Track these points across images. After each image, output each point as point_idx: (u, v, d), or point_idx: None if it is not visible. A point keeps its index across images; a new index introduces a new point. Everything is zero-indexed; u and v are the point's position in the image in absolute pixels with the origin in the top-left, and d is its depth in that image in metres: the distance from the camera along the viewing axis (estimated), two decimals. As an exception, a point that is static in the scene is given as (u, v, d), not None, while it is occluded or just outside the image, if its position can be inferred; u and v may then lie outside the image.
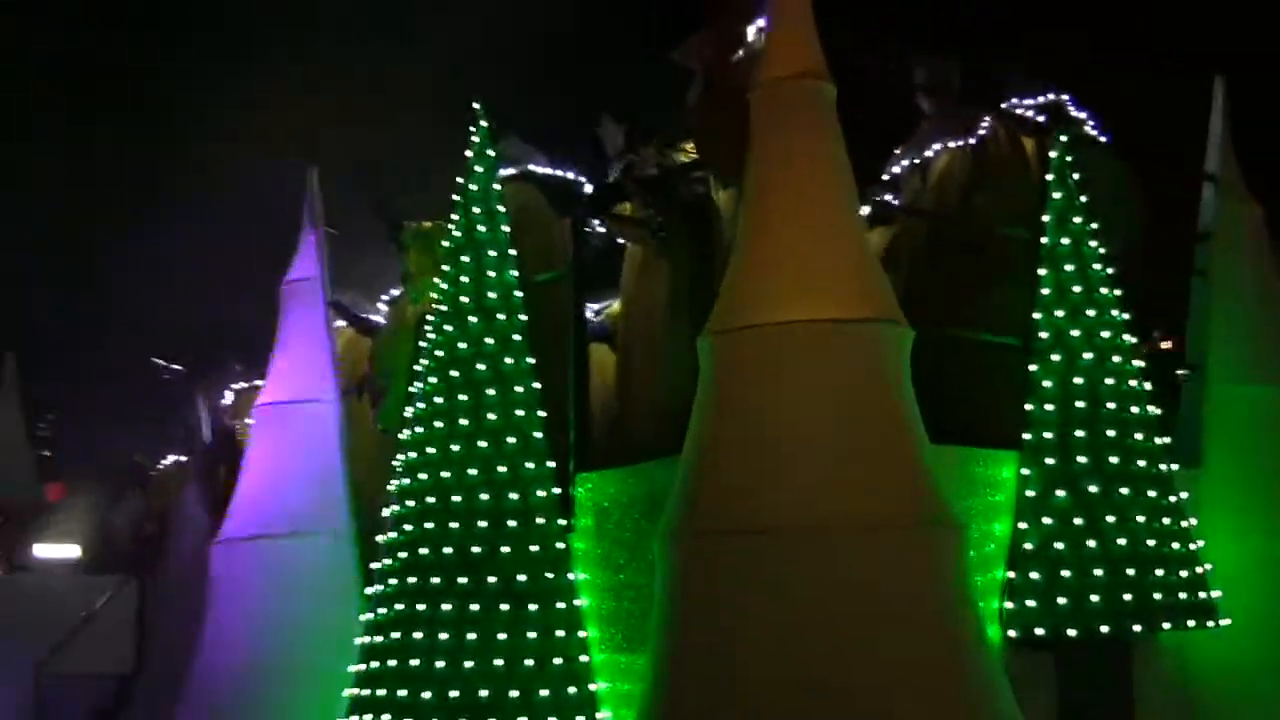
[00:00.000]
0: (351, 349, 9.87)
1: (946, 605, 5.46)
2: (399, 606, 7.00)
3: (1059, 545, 6.22)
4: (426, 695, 6.65)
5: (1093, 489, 6.27)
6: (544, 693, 6.54)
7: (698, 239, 7.12)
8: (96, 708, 12.22)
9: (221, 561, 9.18)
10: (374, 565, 7.35)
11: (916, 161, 7.78)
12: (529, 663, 6.62)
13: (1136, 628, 6.13)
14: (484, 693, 6.56)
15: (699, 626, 5.48)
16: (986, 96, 7.88)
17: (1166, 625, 6.20)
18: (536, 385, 7.20)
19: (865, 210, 7.01)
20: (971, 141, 7.57)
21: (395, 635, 6.93)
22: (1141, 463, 6.37)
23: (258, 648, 8.61)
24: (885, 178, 7.97)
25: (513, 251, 7.45)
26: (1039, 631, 6.17)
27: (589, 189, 8.54)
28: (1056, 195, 6.78)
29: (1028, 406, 6.53)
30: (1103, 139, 8.25)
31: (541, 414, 7.17)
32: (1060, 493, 6.31)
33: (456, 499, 6.99)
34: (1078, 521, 6.24)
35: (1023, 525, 6.35)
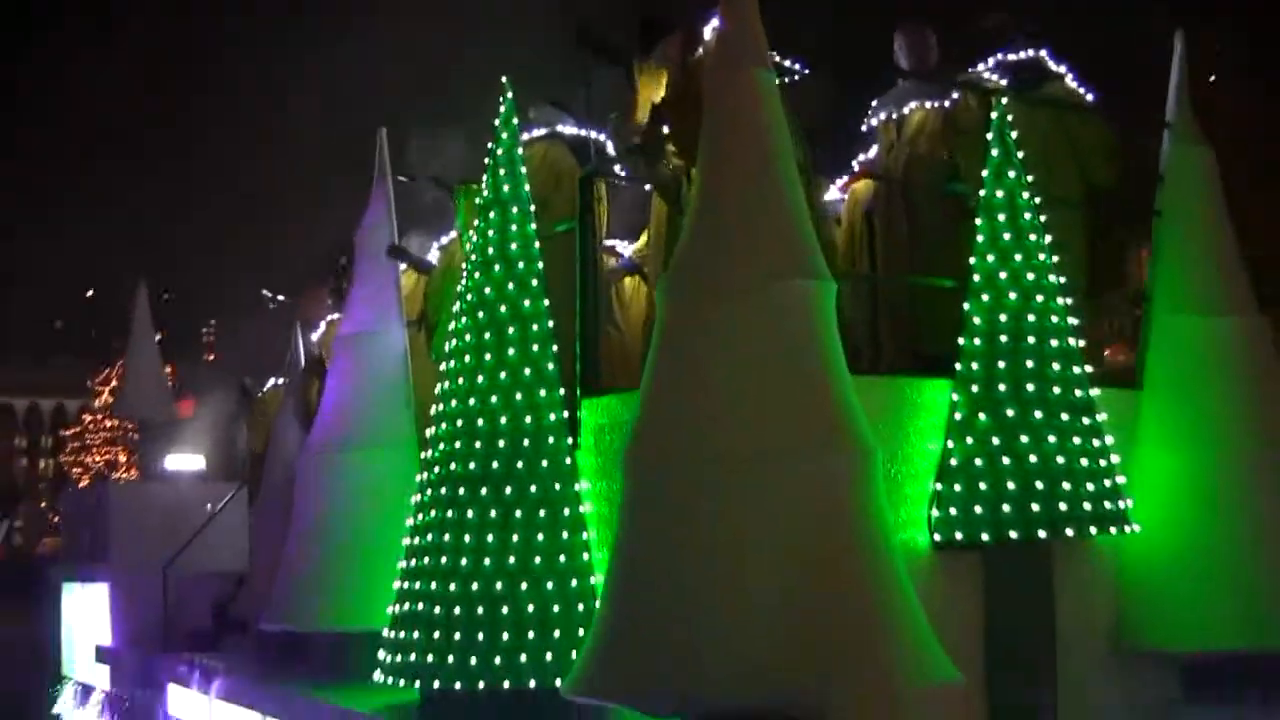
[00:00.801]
0: (413, 288, 11.12)
1: (857, 519, 6.41)
2: (434, 513, 8.21)
3: (978, 461, 7.15)
4: (453, 587, 7.87)
5: (1010, 413, 7.16)
6: (550, 585, 7.69)
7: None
8: (216, 601, 13.66)
9: (305, 470, 10.57)
10: (417, 477, 8.58)
11: (894, 117, 8.65)
12: (538, 559, 7.77)
13: (1042, 534, 7.07)
14: (499, 585, 7.74)
15: (639, 544, 6.49)
16: (963, 58, 8.68)
17: (1069, 532, 7.11)
18: (550, 324, 8.31)
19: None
20: (944, 104, 8.42)
21: (429, 537, 8.16)
22: (1057, 390, 7.24)
23: (332, 544, 9.98)
24: (864, 129, 8.85)
25: (533, 208, 8.53)
26: (958, 536, 7.16)
27: (609, 149, 9.57)
28: (994, 152, 7.62)
29: (960, 340, 7.47)
30: (1082, 90, 9.03)
31: (554, 348, 8.31)
32: (982, 416, 7.23)
33: (480, 423, 8.12)
34: (995, 441, 7.15)
35: (950, 444, 7.32)
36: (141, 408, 19.00)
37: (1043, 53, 8.89)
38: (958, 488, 7.19)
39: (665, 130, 7.94)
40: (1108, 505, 7.24)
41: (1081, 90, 8.96)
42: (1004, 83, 8.66)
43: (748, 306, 6.42)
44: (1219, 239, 8.42)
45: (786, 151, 6.73)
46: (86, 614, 16.46)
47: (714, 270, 6.54)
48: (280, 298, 14.86)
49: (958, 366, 7.42)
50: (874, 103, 8.98)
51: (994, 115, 7.70)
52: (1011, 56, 8.86)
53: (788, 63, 8.13)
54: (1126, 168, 8.78)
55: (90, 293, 77.17)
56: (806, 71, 8.14)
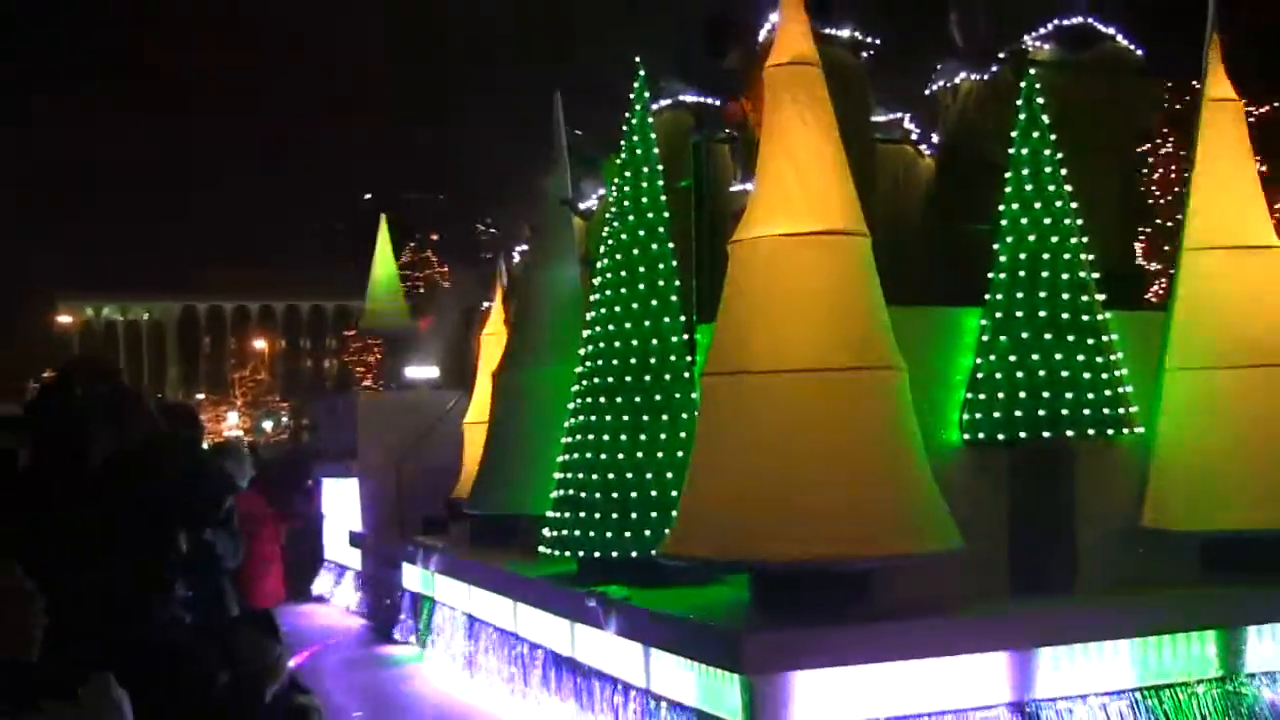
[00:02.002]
0: (581, 233, 13.18)
1: (889, 421, 8.17)
2: (582, 418, 10.25)
3: (998, 375, 8.79)
4: (595, 476, 9.92)
5: (1024, 335, 8.78)
6: (669, 475, 9.65)
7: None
8: (441, 494, 15.88)
9: (499, 384, 12.80)
10: (571, 388, 10.62)
11: (948, 85, 10.20)
12: (661, 454, 9.74)
13: (1046, 434, 8.68)
14: (631, 475, 9.76)
15: (716, 439, 8.38)
16: (1008, 32, 10.15)
17: (1070, 433, 8.70)
18: (674, 263, 10.21)
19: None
20: (984, 77, 9.94)
21: (578, 437, 10.22)
22: (1066, 315, 8.80)
23: (517, 443, 12.16)
24: (926, 93, 10.41)
25: (660, 167, 10.39)
26: (981, 436, 8.84)
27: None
28: (1022, 117, 9.16)
29: (989, 275, 9.09)
30: (1131, 47, 10.38)
31: (677, 283, 10.20)
32: (1003, 338, 8.86)
33: (617, 344, 10.13)
34: (1012, 358, 8.78)
35: (978, 360, 8.98)
36: (383, 324, 21.51)
37: (1090, 19, 10.23)
38: (981, 396, 8.87)
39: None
40: (1108, 411, 8.78)
41: (1130, 48, 10.29)
42: (1053, 49, 10.08)
43: (801, 254, 8.20)
44: (1244, 183, 9.71)
45: (832, 131, 8.43)
46: (340, 505, 18.97)
47: (770, 227, 8.33)
48: (493, 229, 17.01)
49: (986, 297, 9.05)
50: (936, 69, 10.51)
51: (1023, 85, 9.21)
52: (1062, 23, 10.24)
53: (862, 37, 9.78)
54: (1170, 117, 10.10)
55: (368, 196, 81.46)
56: (878, 42, 9.76)
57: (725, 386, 8.33)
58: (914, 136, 11.56)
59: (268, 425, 67.42)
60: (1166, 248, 9.55)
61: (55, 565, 4.38)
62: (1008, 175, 9.15)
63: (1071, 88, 9.49)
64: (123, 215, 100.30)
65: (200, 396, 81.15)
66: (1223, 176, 9.70)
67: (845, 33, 9.68)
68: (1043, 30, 10.33)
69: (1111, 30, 10.31)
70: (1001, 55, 10.16)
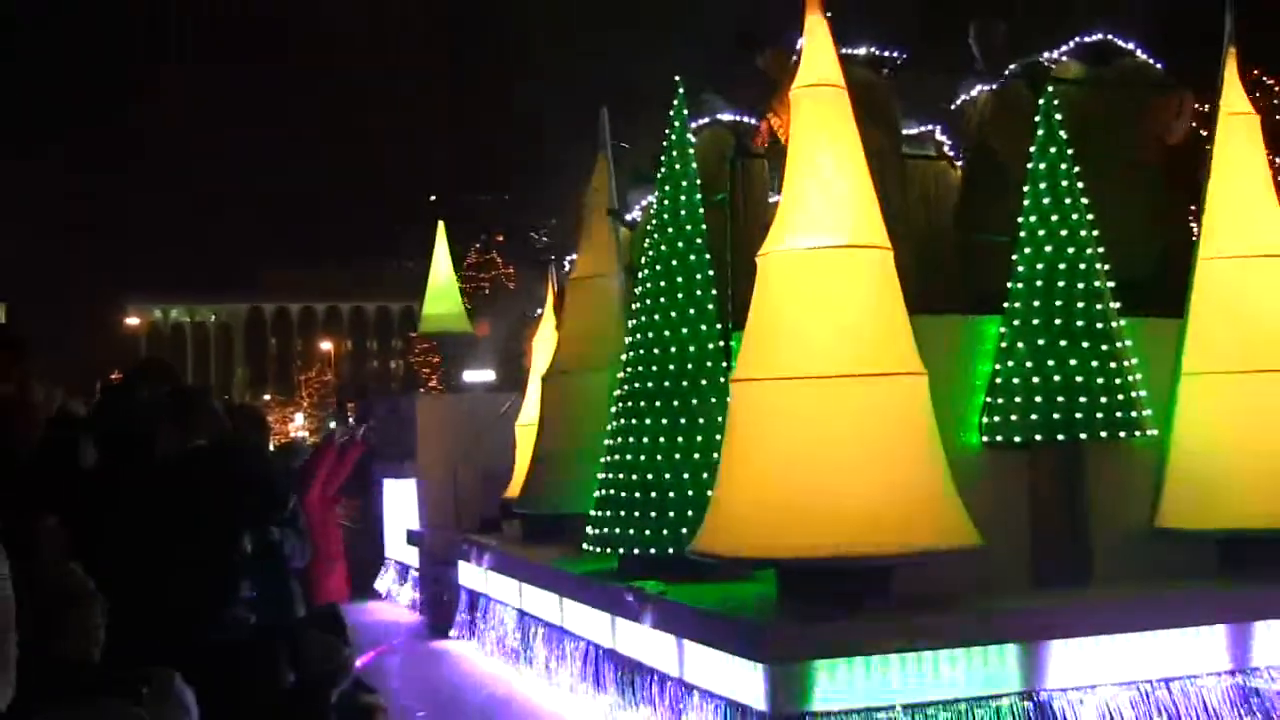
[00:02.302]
0: (626, 243, 13.69)
1: (911, 423, 8.60)
2: (623, 421, 10.77)
3: (1016, 380, 9.22)
4: (635, 477, 10.42)
5: (1041, 342, 9.20)
6: (705, 475, 10.11)
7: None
8: (497, 494, 16.42)
9: (548, 388, 13.35)
10: (614, 392, 11.13)
11: (970, 97, 10.64)
12: (698, 456, 10.22)
13: (1060, 436, 9.09)
14: (668, 475, 10.25)
15: (745, 443, 8.85)
16: (1025, 48, 10.58)
17: (1083, 435, 9.10)
18: (711, 272, 10.68)
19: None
20: (996, 88, 10.36)
21: (619, 440, 10.73)
22: (1080, 323, 9.21)
23: (565, 445, 12.70)
24: (953, 106, 10.85)
25: (698, 181, 10.87)
26: (999, 438, 9.26)
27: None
28: (1040, 132, 9.57)
29: (1009, 284, 9.50)
30: (1152, 62, 10.76)
31: (713, 292, 10.68)
32: (1020, 345, 9.28)
33: (656, 351, 10.63)
34: (1029, 364, 9.20)
35: (998, 366, 9.40)
36: (440, 328, 22.11)
37: (1109, 36, 10.63)
38: (1000, 401, 9.29)
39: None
40: (1120, 414, 9.18)
41: (1150, 62, 10.67)
42: (1072, 64, 10.48)
43: (823, 266, 8.67)
44: (1258, 193, 10.06)
45: (856, 149, 8.88)
46: (400, 505, 19.54)
47: (796, 240, 8.79)
48: (545, 239, 17.61)
49: (1005, 305, 9.47)
50: (961, 83, 10.96)
51: (1041, 100, 9.62)
52: (1082, 39, 10.64)
53: (888, 54, 10.24)
54: (1192, 127, 10.45)
55: (433, 198, 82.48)
56: (905, 58, 10.22)
57: (753, 392, 8.79)
58: (947, 147, 11.99)
59: (334, 426, 68.16)
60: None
61: (119, 565, 4.50)
62: (1026, 189, 9.55)
63: (1090, 102, 9.88)
64: (190, 216, 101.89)
65: (267, 398, 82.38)
66: (1237, 187, 10.05)
67: (862, 50, 10.14)
68: (1063, 46, 10.73)
69: (1131, 45, 10.70)
70: (1016, 69, 10.57)
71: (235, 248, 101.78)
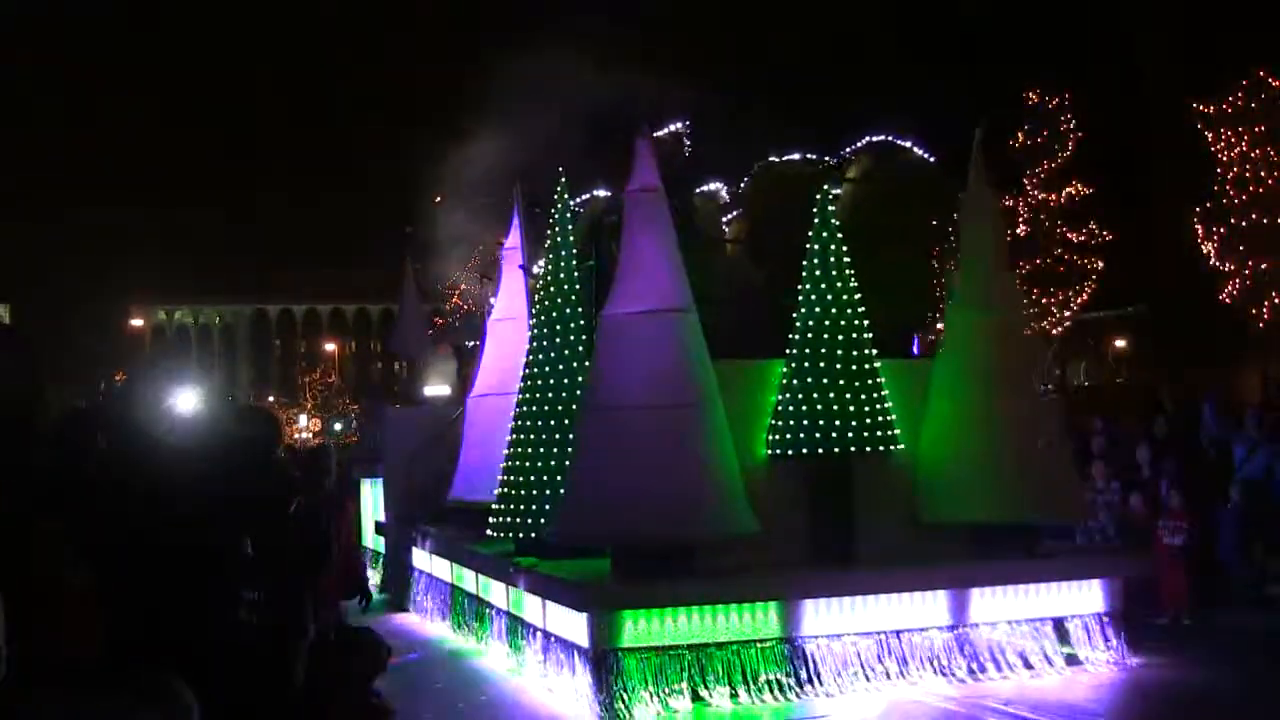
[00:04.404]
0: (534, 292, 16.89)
1: (706, 436, 11.74)
2: (519, 435, 13.92)
3: (790, 408, 12.37)
4: (525, 478, 13.59)
5: (809, 379, 12.35)
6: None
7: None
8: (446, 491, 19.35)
9: (469, 407, 16.54)
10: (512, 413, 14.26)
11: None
12: (569, 464, 13.35)
13: (820, 450, 12.21)
14: (546, 478, 13.39)
15: (583, 459, 12.00)
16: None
17: (836, 450, 12.22)
18: (584, 322, 13.82)
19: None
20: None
21: (515, 449, 13.88)
22: (841, 365, 12.34)
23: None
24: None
25: (575, 251, 14.01)
26: (778, 452, 12.40)
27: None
28: (816, 221, 12.68)
29: (790, 335, 12.64)
30: (926, 156, 13.88)
31: (584, 337, 13.80)
32: (794, 380, 12.42)
33: (540, 381, 13.77)
34: (800, 396, 12.35)
35: (780, 396, 12.54)
36: (408, 348, 25.28)
37: (889, 137, 13.74)
38: (779, 423, 12.43)
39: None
40: (872, 434, 12.29)
41: (925, 156, 13.78)
42: (862, 160, 13.63)
43: (642, 325, 11.79)
44: (994, 258, 13.18)
45: (669, 236, 12.01)
46: (372, 500, 22.64)
47: (624, 305, 11.93)
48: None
49: (787, 351, 12.61)
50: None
51: (818, 205, 12.72)
52: (871, 140, 13.77)
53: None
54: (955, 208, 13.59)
55: (438, 199, 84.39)
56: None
57: (594, 416, 11.95)
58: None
59: (338, 428, 70.44)
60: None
61: (121, 563, 4.41)
62: (804, 261, 12.68)
63: (868, 191, 13.05)
64: (195, 218, 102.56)
65: (270, 399, 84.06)
66: (978, 253, 13.18)
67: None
68: (856, 145, 13.85)
69: (908, 144, 13.81)
70: (830, 162, 13.72)
71: (241, 249, 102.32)
